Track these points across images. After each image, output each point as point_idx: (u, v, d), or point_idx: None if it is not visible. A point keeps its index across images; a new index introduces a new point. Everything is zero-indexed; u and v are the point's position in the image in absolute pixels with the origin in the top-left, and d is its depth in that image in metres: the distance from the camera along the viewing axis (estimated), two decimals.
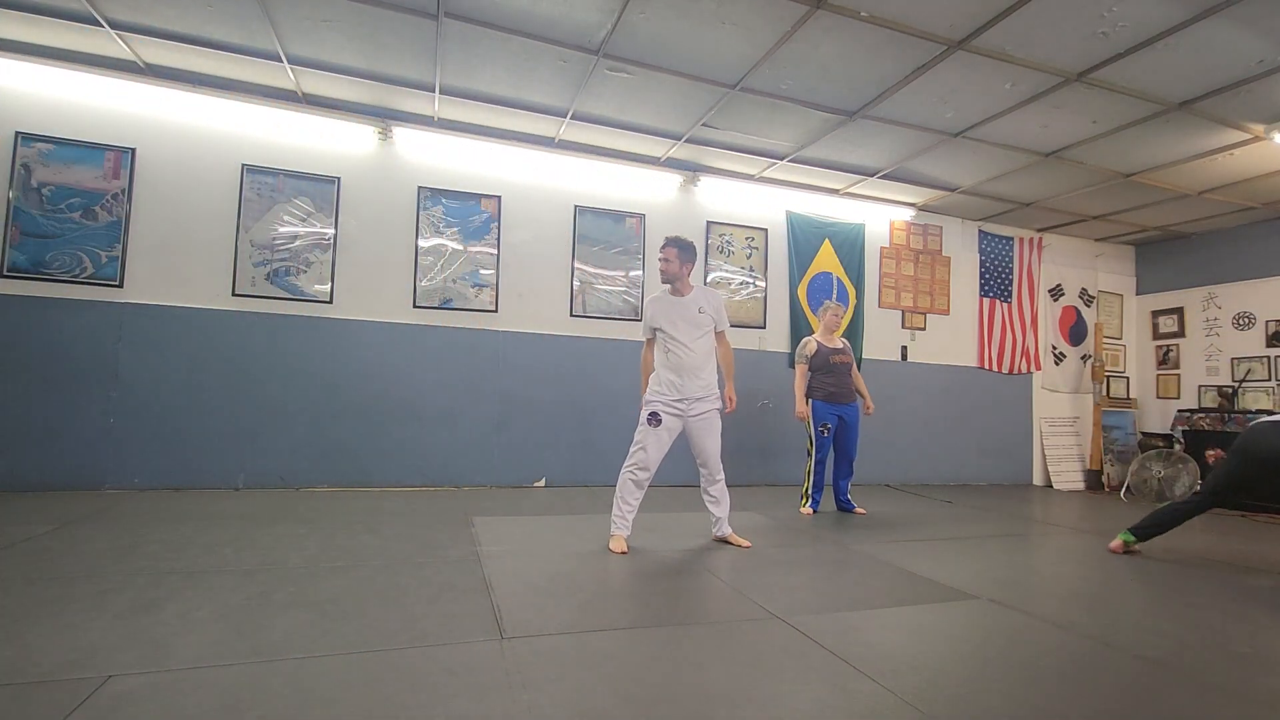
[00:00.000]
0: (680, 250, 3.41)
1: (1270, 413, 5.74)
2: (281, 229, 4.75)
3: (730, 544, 3.46)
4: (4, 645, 1.85)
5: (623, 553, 3.18)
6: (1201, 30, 3.43)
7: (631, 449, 3.35)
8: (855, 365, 4.81)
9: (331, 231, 4.86)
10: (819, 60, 3.94)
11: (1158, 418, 7.33)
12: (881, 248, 6.65)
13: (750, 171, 5.88)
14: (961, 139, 4.94)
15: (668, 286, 3.49)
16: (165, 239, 4.50)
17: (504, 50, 3.99)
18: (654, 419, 3.31)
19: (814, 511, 4.57)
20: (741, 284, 6.09)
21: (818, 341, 4.69)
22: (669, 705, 1.66)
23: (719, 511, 3.51)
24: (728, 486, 3.63)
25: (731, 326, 5.98)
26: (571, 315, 5.49)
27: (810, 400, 4.64)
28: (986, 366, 6.98)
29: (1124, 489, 6.44)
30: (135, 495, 4.18)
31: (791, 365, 6.07)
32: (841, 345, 4.77)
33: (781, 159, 5.51)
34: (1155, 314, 7.48)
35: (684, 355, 3.36)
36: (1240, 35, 3.46)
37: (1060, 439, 7.22)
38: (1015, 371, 7.12)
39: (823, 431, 4.57)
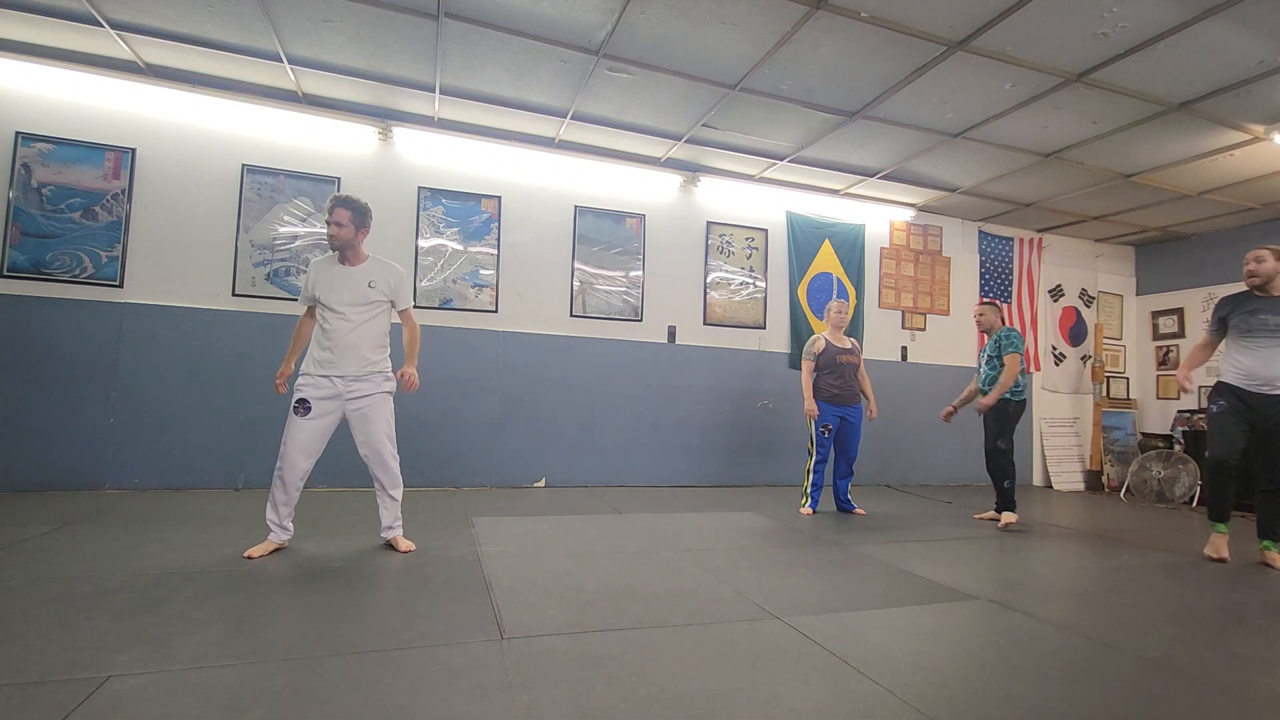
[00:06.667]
0: (355, 213, 2.98)
1: None
2: (281, 229, 4.75)
3: (397, 549, 3.09)
4: (4, 645, 1.85)
5: (262, 556, 2.87)
6: (1201, 31, 3.43)
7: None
8: (862, 365, 4.80)
9: None
10: (819, 61, 3.94)
11: (1158, 418, 7.33)
12: (881, 248, 6.65)
13: (750, 172, 5.88)
14: (961, 139, 4.94)
15: (335, 253, 3.07)
16: (165, 239, 4.50)
17: (504, 50, 3.99)
18: (301, 407, 2.93)
19: (814, 512, 4.56)
20: (741, 284, 6.09)
21: (826, 340, 4.67)
22: (669, 705, 1.66)
23: (389, 518, 3.11)
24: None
25: (731, 327, 6.05)
26: (571, 315, 5.49)
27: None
28: None
29: (1124, 489, 6.44)
30: (135, 495, 4.18)
31: (792, 365, 6.08)
32: (850, 345, 4.75)
33: (781, 159, 5.51)
34: (1155, 314, 7.49)
35: (338, 328, 2.96)
36: (1240, 35, 3.46)
37: (1060, 439, 7.22)
38: None
39: (824, 432, 4.57)
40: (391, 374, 3.12)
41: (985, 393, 4.57)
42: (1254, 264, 3.63)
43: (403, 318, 3.19)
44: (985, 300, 5.05)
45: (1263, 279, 3.59)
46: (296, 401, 2.95)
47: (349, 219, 2.98)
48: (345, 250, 3.03)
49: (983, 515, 4.74)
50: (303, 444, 2.93)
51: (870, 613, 2.46)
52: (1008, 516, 4.35)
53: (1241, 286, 3.77)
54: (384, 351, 3.12)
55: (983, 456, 4.64)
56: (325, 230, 3.02)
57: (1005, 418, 4.47)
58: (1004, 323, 4.82)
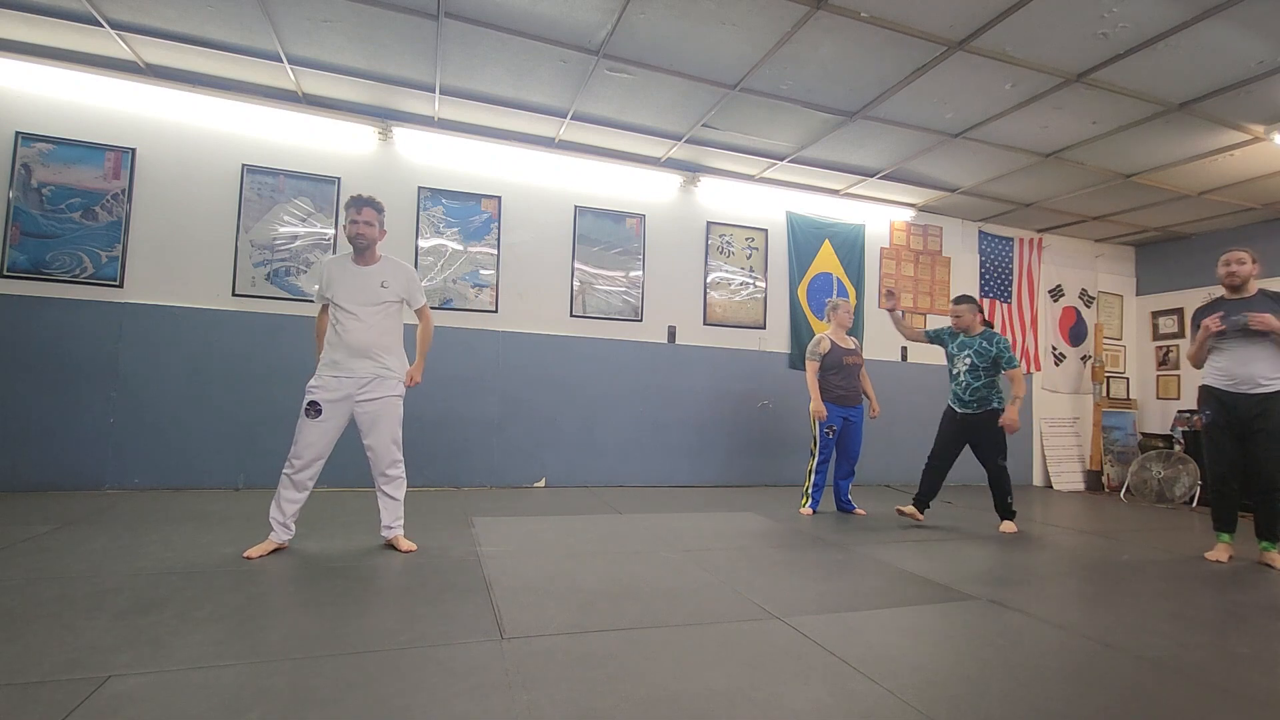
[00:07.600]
0: (379, 213, 3.04)
1: None
2: (281, 229, 4.75)
3: (398, 549, 3.07)
4: (4, 645, 1.85)
5: (262, 556, 2.85)
6: (1201, 31, 3.43)
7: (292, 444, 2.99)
8: (863, 365, 4.78)
9: (331, 232, 4.86)
10: (819, 61, 3.94)
11: (1158, 418, 7.33)
12: (881, 248, 6.65)
13: (750, 172, 5.88)
14: (961, 139, 4.94)
15: (349, 252, 3.09)
16: (165, 239, 4.50)
17: (504, 50, 3.99)
18: (312, 409, 2.95)
19: (814, 512, 4.56)
20: (741, 284, 6.09)
21: (831, 340, 4.64)
22: (669, 705, 1.65)
23: (389, 517, 3.09)
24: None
25: (731, 327, 6.04)
26: (571, 315, 5.49)
27: None
28: None
29: (1124, 490, 6.44)
30: (135, 495, 4.18)
31: (792, 366, 6.08)
32: (854, 345, 4.73)
33: (781, 159, 5.51)
34: (1155, 314, 7.49)
35: (352, 329, 2.97)
36: (1240, 36, 3.46)
37: (1060, 439, 7.22)
38: None
39: (828, 433, 4.56)
40: (402, 376, 3.14)
41: (973, 409, 4.29)
42: (1235, 265, 3.67)
43: (419, 315, 3.24)
44: (963, 298, 4.45)
45: (1241, 280, 3.64)
46: (308, 404, 2.97)
47: (376, 218, 3.03)
48: (367, 250, 3.05)
49: (905, 509, 4.42)
50: (313, 445, 2.97)
51: (870, 613, 2.46)
52: (1007, 526, 4.30)
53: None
54: (398, 354, 3.13)
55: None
56: (349, 229, 2.99)
57: (1001, 432, 4.24)
58: (984, 322, 4.44)
